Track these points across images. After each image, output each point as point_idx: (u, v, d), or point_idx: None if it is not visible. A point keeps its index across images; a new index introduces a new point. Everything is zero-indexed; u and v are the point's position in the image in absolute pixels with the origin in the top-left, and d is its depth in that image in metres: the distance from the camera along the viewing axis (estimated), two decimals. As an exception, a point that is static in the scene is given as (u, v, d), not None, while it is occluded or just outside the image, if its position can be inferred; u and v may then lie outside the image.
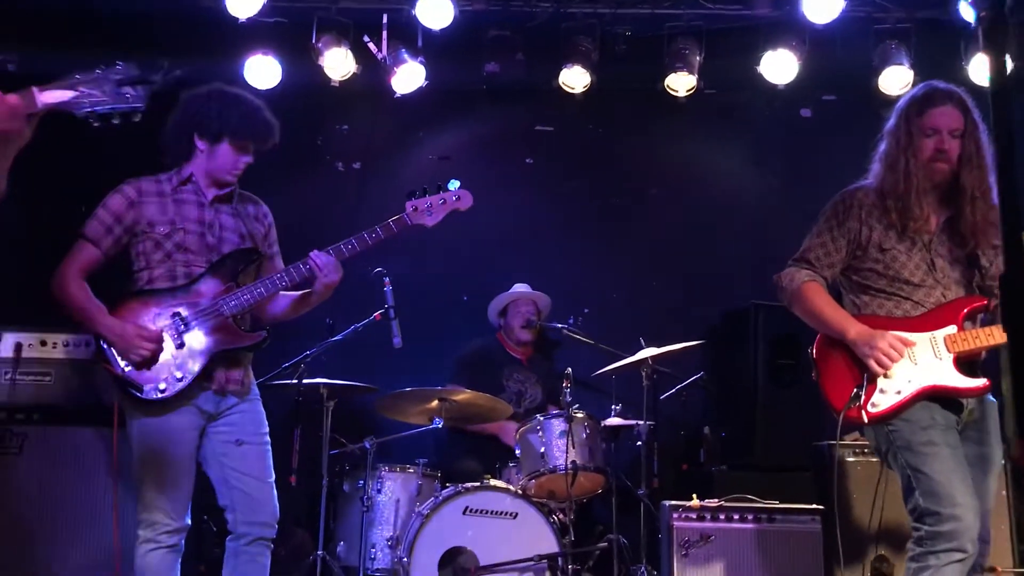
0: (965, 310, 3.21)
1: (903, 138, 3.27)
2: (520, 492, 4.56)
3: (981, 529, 3.07)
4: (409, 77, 5.78)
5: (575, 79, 5.90)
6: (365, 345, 4.86)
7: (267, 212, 3.72)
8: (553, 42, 5.83)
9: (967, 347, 3.16)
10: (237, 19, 5.47)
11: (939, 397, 3.15)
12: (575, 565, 4.49)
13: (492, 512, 4.46)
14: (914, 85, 4.69)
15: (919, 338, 3.19)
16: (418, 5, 5.50)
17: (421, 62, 5.74)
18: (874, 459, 4.51)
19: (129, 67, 2.49)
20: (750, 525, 4.44)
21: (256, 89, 5.38)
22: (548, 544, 4.43)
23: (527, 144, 6.34)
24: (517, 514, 4.47)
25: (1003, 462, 3.34)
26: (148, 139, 3.51)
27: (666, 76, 5.88)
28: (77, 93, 2.43)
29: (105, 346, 3.33)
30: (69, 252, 3.43)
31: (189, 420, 3.38)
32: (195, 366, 3.36)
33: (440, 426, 4.70)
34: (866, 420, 3.17)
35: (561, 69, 5.86)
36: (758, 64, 5.79)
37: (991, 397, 3.24)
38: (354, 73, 5.83)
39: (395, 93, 5.83)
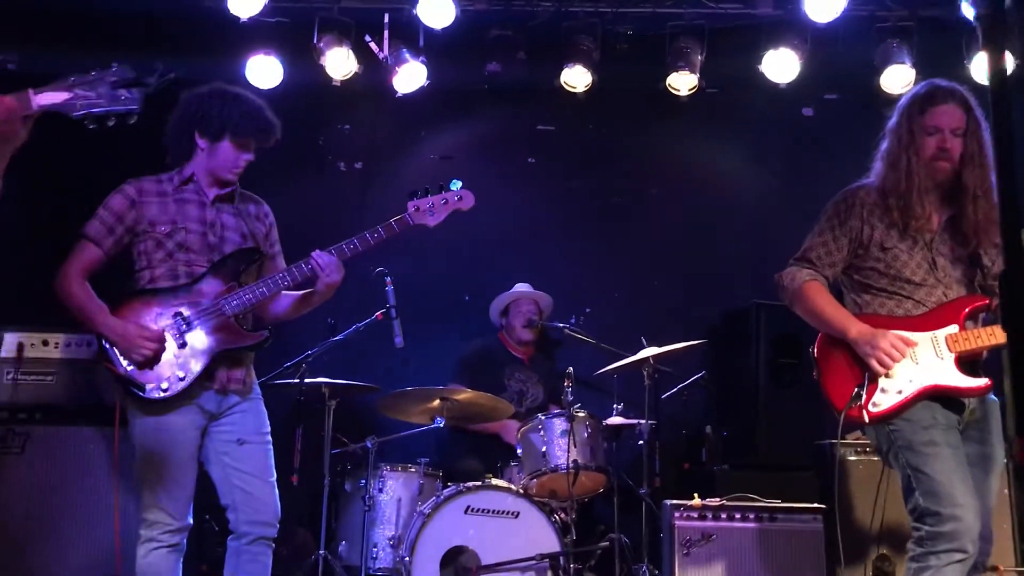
0: (967, 309, 3.21)
1: (905, 136, 3.26)
2: (522, 491, 4.56)
3: (983, 528, 3.06)
4: (411, 77, 5.78)
5: (577, 78, 5.89)
6: (367, 345, 4.87)
7: (268, 212, 3.72)
8: (554, 41, 5.83)
9: (969, 347, 3.16)
10: (239, 19, 5.48)
11: (940, 397, 3.15)
12: (577, 564, 4.49)
13: (494, 511, 4.46)
14: (916, 84, 4.68)
15: (920, 337, 3.18)
16: (419, 5, 5.50)
17: (423, 62, 5.74)
18: (875, 458, 4.51)
19: (124, 69, 2.49)
20: (751, 524, 4.44)
21: (258, 89, 5.39)
22: (550, 543, 4.43)
23: (529, 144, 6.34)
24: (519, 513, 4.47)
25: (1005, 461, 3.33)
26: (148, 139, 3.52)
27: (668, 75, 5.87)
28: (72, 95, 2.43)
29: (107, 346, 3.33)
30: (71, 252, 3.43)
31: (191, 419, 3.38)
32: (197, 365, 3.36)
33: (442, 425, 4.70)
34: (867, 420, 3.16)
35: (562, 68, 5.85)
36: (760, 63, 5.79)
37: (993, 396, 3.24)
38: (356, 73, 5.82)
39: (397, 93, 5.83)
